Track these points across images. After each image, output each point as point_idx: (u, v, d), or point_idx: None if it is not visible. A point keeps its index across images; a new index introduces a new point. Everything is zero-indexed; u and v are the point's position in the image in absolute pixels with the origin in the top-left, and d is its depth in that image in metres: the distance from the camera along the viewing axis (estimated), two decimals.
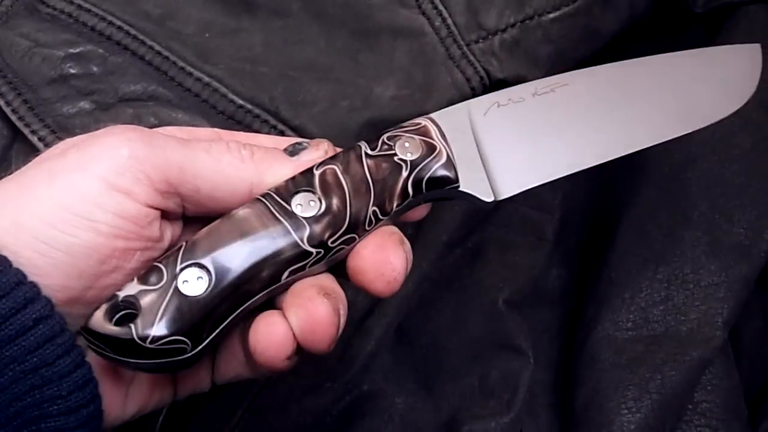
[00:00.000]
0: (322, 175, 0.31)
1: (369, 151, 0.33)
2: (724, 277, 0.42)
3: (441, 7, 0.44)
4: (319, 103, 0.43)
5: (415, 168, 0.33)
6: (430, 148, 0.33)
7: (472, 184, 0.34)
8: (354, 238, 0.31)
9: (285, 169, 0.31)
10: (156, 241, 0.30)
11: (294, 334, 0.29)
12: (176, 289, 0.28)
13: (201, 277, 0.29)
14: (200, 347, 0.29)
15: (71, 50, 0.43)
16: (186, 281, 0.29)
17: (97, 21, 0.43)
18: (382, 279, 0.30)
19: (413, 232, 0.44)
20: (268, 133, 0.42)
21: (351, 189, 0.31)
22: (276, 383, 0.43)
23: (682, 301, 0.42)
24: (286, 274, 0.30)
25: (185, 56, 0.43)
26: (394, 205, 0.32)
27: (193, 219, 0.32)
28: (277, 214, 0.30)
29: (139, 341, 0.28)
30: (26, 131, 0.42)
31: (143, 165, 0.29)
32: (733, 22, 0.47)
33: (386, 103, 0.43)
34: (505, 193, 0.35)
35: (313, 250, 0.30)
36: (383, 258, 0.31)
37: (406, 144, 0.33)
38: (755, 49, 0.39)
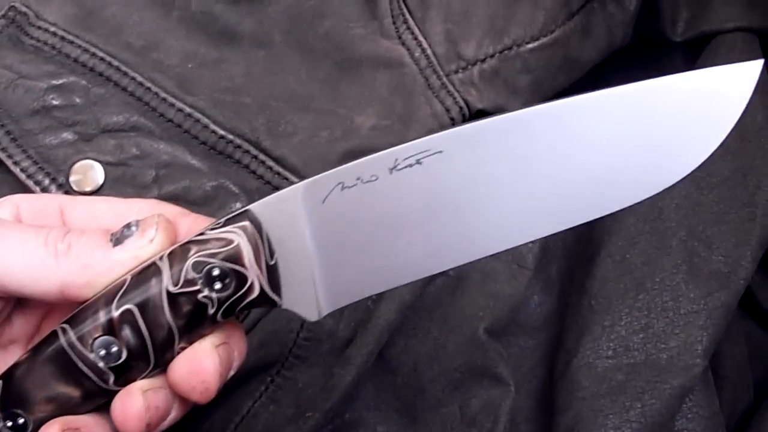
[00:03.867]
0: (121, 319, 0.29)
1: (171, 288, 0.29)
2: (703, 304, 0.42)
3: (421, 38, 0.44)
4: (300, 133, 0.43)
5: (223, 304, 0.29)
6: (241, 280, 0.29)
7: (295, 302, 0.30)
8: (165, 369, 0.30)
9: (100, 267, 0.30)
10: None
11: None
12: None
13: (21, 420, 0.30)
14: None
15: (54, 82, 0.43)
16: (8, 424, 0.30)
17: (80, 52, 0.44)
18: (195, 391, 0.30)
19: None
20: (248, 163, 0.43)
21: (152, 334, 0.29)
22: (258, 413, 0.43)
23: (662, 329, 0.42)
24: (102, 402, 0.30)
25: (167, 87, 0.44)
26: (206, 335, 0.30)
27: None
28: (81, 365, 0.29)
29: None
30: (9, 162, 0.42)
31: None
32: (711, 51, 0.48)
33: (366, 133, 0.43)
34: (334, 306, 0.30)
35: (122, 388, 0.30)
36: (193, 370, 0.29)
37: (214, 273, 0.29)
38: (752, 67, 0.29)
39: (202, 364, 0.29)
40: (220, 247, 0.29)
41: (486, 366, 0.43)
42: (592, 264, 0.45)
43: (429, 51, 0.44)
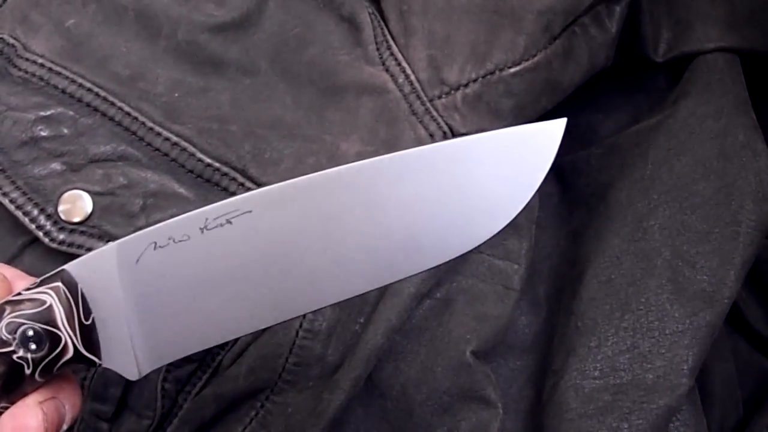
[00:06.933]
0: None
1: None
2: (688, 324, 0.43)
3: (404, 64, 0.45)
4: (286, 160, 0.44)
5: (39, 365, 0.29)
6: (55, 341, 0.29)
7: (114, 361, 0.30)
8: None
9: None
10: None
11: None
12: None
13: None
14: None
15: (42, 113, 0.44)
16: None
17: (67, 84, 0.44)
18: None
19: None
20: (235, 191, 0.43)
21: None
22: None
23: (648, 349, 0.43)
24: None
25: (154, 116, 0.44)
26: (28, 393, 0.30)
27: None
28: None
29: None
30: None
31: None
32: (692, 71, 0.48)
33: (351, 159, 0.43)
34: (156, 365, 0.30)
35: None
36: (16, 427, 0.29)
37: (28, 334, 0.29)
38: (556, 125, 0.30)
39: (25, 421, 0.29)
40: (32, 308, 0.29)
41: (474, 388, 0.44)
42: (578, 285, 0.45)
43: (412, 77, 0.44)
